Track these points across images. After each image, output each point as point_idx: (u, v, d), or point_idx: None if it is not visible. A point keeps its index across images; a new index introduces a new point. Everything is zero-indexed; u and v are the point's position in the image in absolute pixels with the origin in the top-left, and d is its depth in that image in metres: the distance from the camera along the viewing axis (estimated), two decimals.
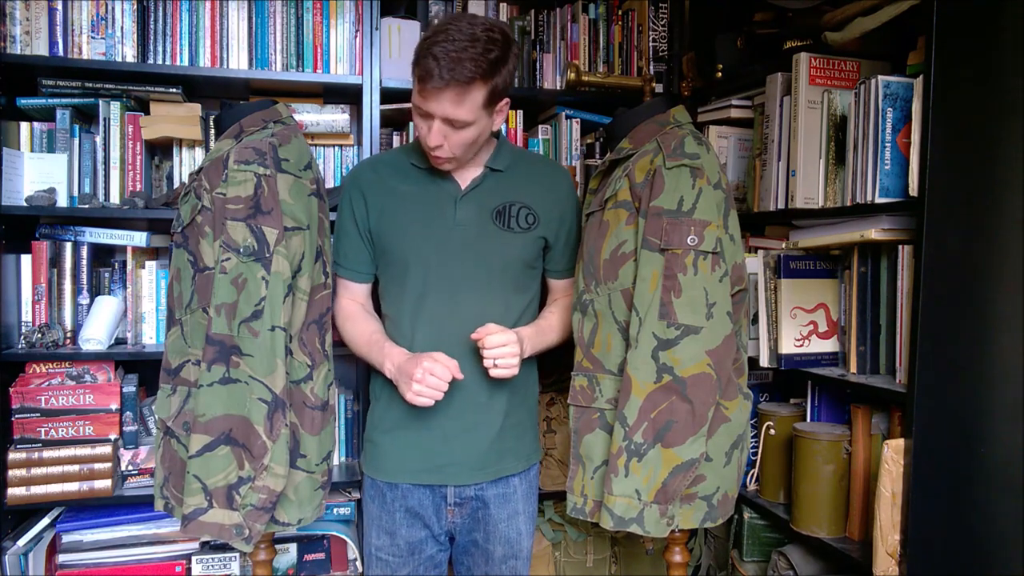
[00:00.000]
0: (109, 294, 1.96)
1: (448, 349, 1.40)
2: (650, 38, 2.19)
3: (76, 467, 1.82)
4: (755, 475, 1.78)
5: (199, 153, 2.02)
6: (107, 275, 1.97)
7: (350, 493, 2.04)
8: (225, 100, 2.02)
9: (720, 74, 1.95)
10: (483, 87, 1.29)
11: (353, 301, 1.54)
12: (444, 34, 1.26)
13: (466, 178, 1.45)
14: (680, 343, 1.29)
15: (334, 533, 1.98)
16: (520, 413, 1.50)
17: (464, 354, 1.41)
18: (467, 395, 1.42)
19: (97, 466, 1.83)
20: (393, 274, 1.48)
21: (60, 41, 1.86)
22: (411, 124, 2.03)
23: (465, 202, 1.43)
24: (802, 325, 1.62)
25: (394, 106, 2.00)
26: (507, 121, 2.11)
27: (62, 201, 1.87)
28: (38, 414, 1.82)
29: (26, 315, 1.88)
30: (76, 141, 1.89)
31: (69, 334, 1.90)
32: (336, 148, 2.14)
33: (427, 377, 1.31)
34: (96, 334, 1.86)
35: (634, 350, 1.31)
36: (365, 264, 1.52)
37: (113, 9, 1.89)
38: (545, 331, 1.50)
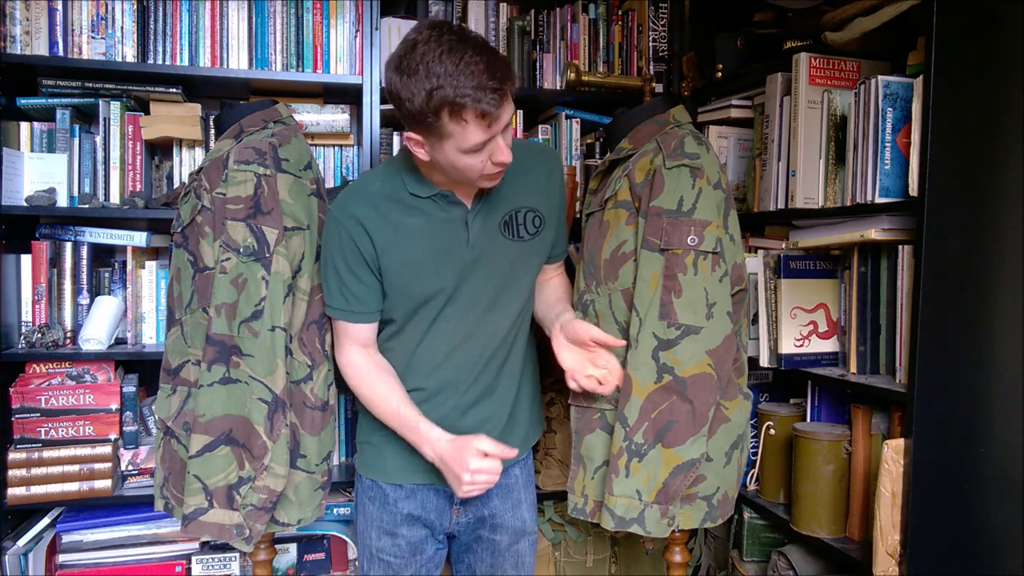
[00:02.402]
0: (109, 294, 1.96)
1: (463, 364, 1.37)
2: (650, 38, 2.19)
3: (76, 467, 1.82)
4: (755, 475, 1.78)
5: (199, 153, 2.02)
6: (107, 275, 1.97)
7: (350, 493, 2.04)
8: (225, 100, 2.03)
9: (720, 74, 1.95)
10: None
11: (362, 350, 1.39)
12: (451, 65, 1.11)
13: (468, 195, 1.35)
14: (680, 343, 1.29)
15: (334, 533, 1.98)
16: (522, 403, 1.47)
17: (478, 367, 1.37)
18: (475, 401, 1.40)
19: (97, 466, 1.83)
20: (406, 308, 1.37)
21: (60, 41, 1.86)
22: None
23: (475, 220, 1.34)
24: (802, 325, 1.62)
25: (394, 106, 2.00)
26: None
27: (62, 201, 1.87)
28: (38, 414, 1.82)
29: (26, 315, 1.88)
30: (76, 141, 1.89)
31: (69, 334, 1.89)
32: (336, 148, 2.14)
33: (477, 477, 1.26)
34: (96, 334, 1.86)
35: (634, 350, 1.31)
36: (376, 301, 1.37)
37: (113, 9, 1.89)
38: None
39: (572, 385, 1.37)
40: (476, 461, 1.24)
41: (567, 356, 1.37)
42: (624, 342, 1.32)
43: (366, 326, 1.38)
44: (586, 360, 1.35)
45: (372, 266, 1.33)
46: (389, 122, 2.10)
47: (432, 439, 1.30)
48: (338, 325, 1.39)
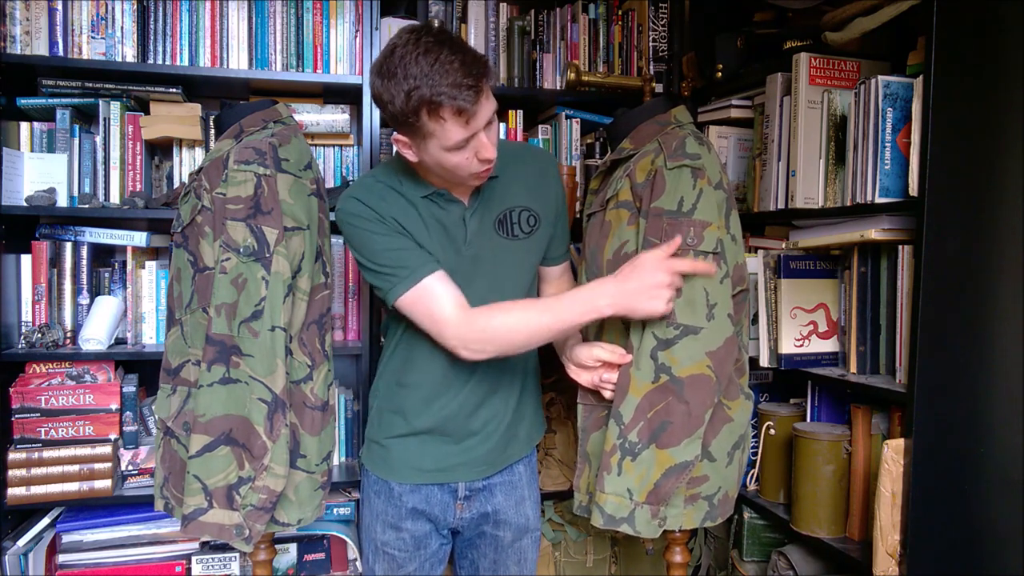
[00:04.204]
0: (109, 294, 1.96)
1: (465, 362, 1.35)
2: (650, 38, 2.19)
3: (76, 467, 1.82)
4: (755, 475, 1.78)
5: (199, 153, 2.02)
6: (107, 275, 1.97)
7: (350, 493, 2.04)
8: (225, 100, 2.03)
9: (720, 74, 1.95)
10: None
11: (462, 310, 1.29)
12: (427, 65, 1.14)
13: (464, 194, 1.37)
14: (679, 343, 1.29)
15: (334, 533, 1.98)
16: (526, 401, 1.49)
17: (480, 364, 1.36)
18: (482, 401, 1.41)
19: (97, 466, 1.83)
20: None
21: (60, 41, 1.86)
22: None
23: (473, 218, 1.36)
24: (802, 325, 1.62)
25: None
26: (507, 121, 2.11)
27: (62, 201, 1.87)
28: (38, 414, 1.82)
29: (26, 315, 1.88)
30: (76, 141, 1.89)
31: (69, 334, 1.90)
32: (336, 148, 2.14)
33: (674, 279, 1.26)
34: (96, 334, 1.86)
35: (636, 350, 1.32)
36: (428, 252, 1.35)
37: (113, 9, 1.89)
38: None
39: (584, 381, 1.41)
40: (665, 274, 1.24)
41: (584, 377, 1.42)
42: (630, 357, 1.34)
43: (439, 274, 1.30)
44: (603, 371, 1.39)
45: (399, 230, 1.31)
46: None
47: (603, 287, 1.27)
48: (423, 302, 1.29)
